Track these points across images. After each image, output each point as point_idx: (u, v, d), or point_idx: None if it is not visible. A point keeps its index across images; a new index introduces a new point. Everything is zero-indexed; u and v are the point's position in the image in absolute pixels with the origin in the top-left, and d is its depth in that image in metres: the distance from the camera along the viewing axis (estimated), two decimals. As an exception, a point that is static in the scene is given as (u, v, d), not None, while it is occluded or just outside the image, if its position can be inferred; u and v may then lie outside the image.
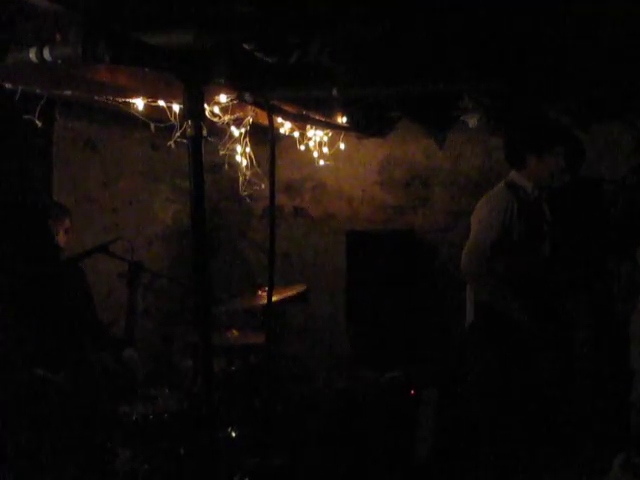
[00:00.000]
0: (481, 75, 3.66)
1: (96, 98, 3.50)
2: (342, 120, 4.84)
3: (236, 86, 3.05)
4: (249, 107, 3.94)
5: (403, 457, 4.29)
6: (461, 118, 5.17)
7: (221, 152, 4.20)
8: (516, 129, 3.92)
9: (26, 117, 3.31)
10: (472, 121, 5.10)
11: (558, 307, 3.90)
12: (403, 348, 5.17)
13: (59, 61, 2.32)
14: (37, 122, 3.32)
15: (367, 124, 5.37)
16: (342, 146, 5.39)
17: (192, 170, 1.53)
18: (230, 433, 3.74)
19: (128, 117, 3.67)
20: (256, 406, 3.94)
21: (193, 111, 1.53)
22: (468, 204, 5.43)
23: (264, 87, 3.46)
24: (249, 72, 3.12)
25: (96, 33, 1.62)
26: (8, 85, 3.14)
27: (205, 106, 3.51)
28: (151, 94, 3.52)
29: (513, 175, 3.85)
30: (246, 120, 4.08)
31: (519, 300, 3.63)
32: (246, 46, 2.37)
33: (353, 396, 4.73)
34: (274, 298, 3.78)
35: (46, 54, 2.31)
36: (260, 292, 4.49)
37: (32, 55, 2.34)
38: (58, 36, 2.34)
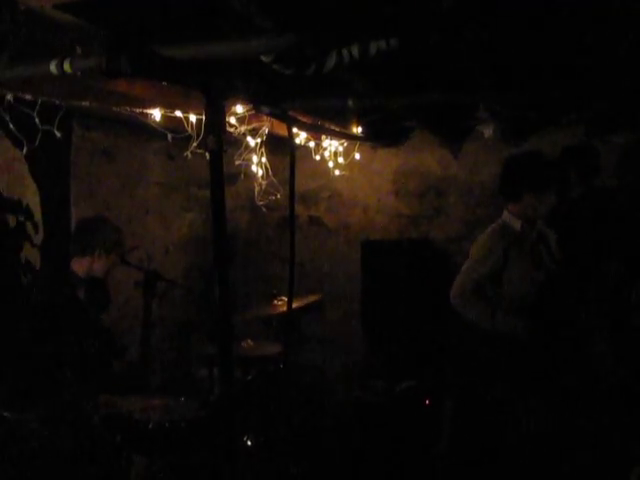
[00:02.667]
0: (497, 85, 3.67)
1: (114, 109, 3.54)
2: (357, 130, 4.86)
3: (254, 99, 3.07)
4: (265, 117, 3.96)
5: (418, 466, 4.27)
6: (477, 128, 5.19)
7: (237, 162, 4.23)
8: (515, 165, 3.89)
9: (45, 127, 3.34)
10: (487, 131, 5.12)
11: (570, 323, 3.90)
12: (418, 357, 5.16)
13: (78, 73, 2.35)
14: (56, 132, 3.35)
15: (382, 134, 5.39)
16: (357, 156, 5.40)
17: (213, 183, 1.53)
18: (246, 442, 3.74)
19: (145, 127, 3.71)
20: (272, 415, 3.95)
21: (215, 125, 1.53)
22: (483, 214, 5.43)
23: (281, 98, 3.48)
24: (266, 84, 3.15)
25: (118, 47, 1.63)
26: (28, 96, 3.18)
27: (222, 117, 3.54)
28: (168, 105, 3.55)
29: (505, 216, 3.88)
30: (262, 130, 4.10)
31: (519, 320, 3.69)
32: (264, 59, 2.40)
33: (368, 405, 4.73)
34: (289, 307, 3.78)
35: (67, 67, 2.34)
36: (275, 302, 4.50)
37: (53, 67, 2.37)
38: (78, 49, 2.38)
